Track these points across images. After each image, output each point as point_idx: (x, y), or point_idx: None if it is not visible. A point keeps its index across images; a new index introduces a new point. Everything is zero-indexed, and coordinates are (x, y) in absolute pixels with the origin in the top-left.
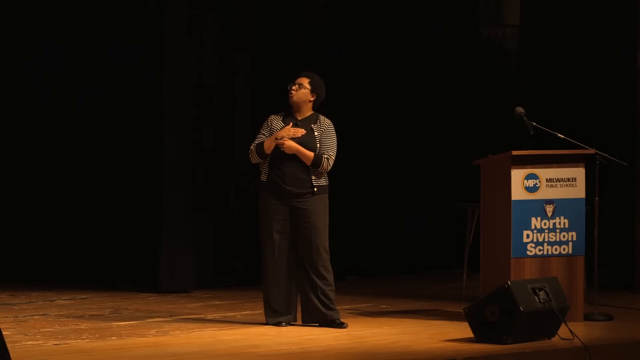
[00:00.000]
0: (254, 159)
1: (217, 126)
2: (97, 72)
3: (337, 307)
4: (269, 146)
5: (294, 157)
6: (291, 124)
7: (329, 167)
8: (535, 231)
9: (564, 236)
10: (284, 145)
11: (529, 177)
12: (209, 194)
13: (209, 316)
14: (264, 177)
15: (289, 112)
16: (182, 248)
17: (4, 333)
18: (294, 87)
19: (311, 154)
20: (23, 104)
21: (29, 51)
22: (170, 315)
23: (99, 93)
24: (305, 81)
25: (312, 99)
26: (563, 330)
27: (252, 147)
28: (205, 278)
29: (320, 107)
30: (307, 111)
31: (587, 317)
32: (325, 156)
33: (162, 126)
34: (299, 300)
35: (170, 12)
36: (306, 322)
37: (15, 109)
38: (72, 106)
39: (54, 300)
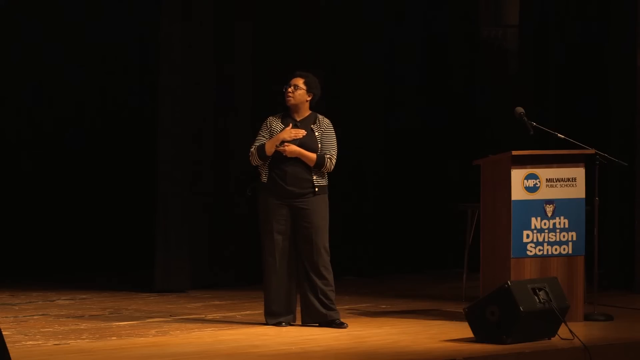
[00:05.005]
0: (255, 161)
1: (215, 125)
2: (96, 74)
3: (337, 307)
4: (270, 149)
5: (295, 158)
6: (291, 125)
7: (332, 167)
8: (535, 231)
9: (564, 236)
10: (286, 151)
11: (529, 177)
12: (206, 193)
13: (209, 316)
14: (264, 178)
15: (287, 113)
16: (178, 248)
17: (4, 333)
18: (289, 89)
19: (314, 156)
20: (23, 104)
21: (28, 55)
22: (170, 315)
23: (97, 94)
24: (300, 81)
25: (308, 98)
26: (563, 330)
27: (252, 149)
28: (202, 278)
29: (317, 106)
30: (305, 111)
31: (587, 317)
32: (328, 156)
33: (159, 126)
34: (298, 300)
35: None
36: (306, 323)
37: (15, 110)
38: (72, 109)
39: (54, 300)
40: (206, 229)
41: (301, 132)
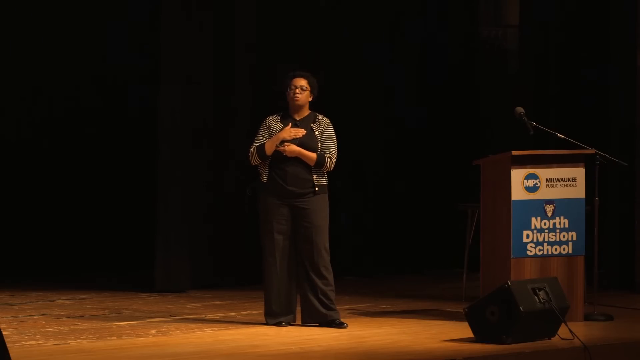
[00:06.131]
0: (255, 161)
1: (215, 125)
2: (96, 76)
3: (337, 307)
4: (270, 148)
5: (295, 157)
6: (290, 124)
7: (332, 166)
8: (535, 231)
9: (564, 236)
10: (286, 151)
11: (529, 177)
12: (205, 193)
13: (209, 316)
14: (264, 178)
15: (286, 113)
16: (178, 248)
17: (4, 333)
18: (297, 91)
19: (314, 155)
20: (23, 105)
21: (27, 55)
22: (170, 315)
23: (97, 94)
24: (304, 82)
25: (310, 99)
26: (563, 330)
27: (252, 149)
28: (202, 278)
29: (316, 106)
30: (305, 111)
31: (587, 317)
32: (328, 155)
33: (159, 126)
34: (299, 300)
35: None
36: (306, 323)
37: (15, 110)
38: (72, 109)
39: (54, 300)
40: (206, 229)
41: (301, 132)
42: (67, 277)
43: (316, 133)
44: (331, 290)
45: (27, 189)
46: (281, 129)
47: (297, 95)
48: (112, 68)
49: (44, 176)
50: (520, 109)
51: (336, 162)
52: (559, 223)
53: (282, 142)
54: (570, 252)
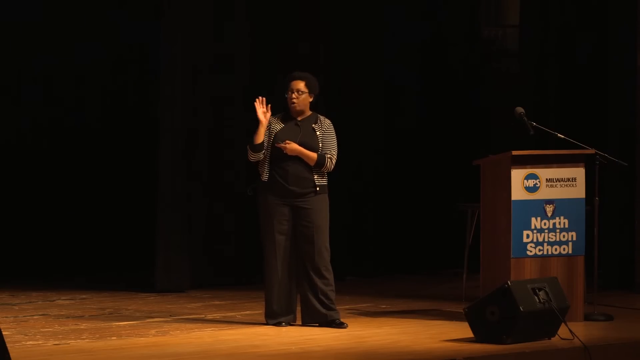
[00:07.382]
0: (251, 156)
1: (216, 125)
2: (96, 75)
3: (337, 307)
4: (258, 136)
5: (296, 157)
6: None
7: (332, 167)
8: (535, 231)
9: (564, 236)
10: (287, 149)
11: (529, 177)
12: (206, 193)
13: (209, 316)
14: (265, 178)
15: (287, 114)
16: (178, 248)
17: (4, 333)
18: (293, 95)
19: (314, 155)
20: (23, 105)
21: (27, 54)
22: (170, 315)
23: (97, 94)
24: (301, 85)
25: (310, 100)
26: (563, 330)
27: (248, 146)
28: (202, 278)
29: (316, 106)
30: (307, 112)
31: (587, 317)
32: (329, 156)
33: (159, 126)
34: (299, 300)
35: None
36: (306, 323)
37: (15, 110)
38: (72, 108)
39: (54, 300)
40: (206, 229)
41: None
42: (67, 277)
43: (317, 133)
44: (331, 290)
45: (27, 189)
46: (281, 129)
47: (294, 100)
48: (113, 68)
49: (44, 176)
50: (520, 109)
51: (336, 162)
52: (559, 223)
53: (283, 140)
54: (570, 252)
